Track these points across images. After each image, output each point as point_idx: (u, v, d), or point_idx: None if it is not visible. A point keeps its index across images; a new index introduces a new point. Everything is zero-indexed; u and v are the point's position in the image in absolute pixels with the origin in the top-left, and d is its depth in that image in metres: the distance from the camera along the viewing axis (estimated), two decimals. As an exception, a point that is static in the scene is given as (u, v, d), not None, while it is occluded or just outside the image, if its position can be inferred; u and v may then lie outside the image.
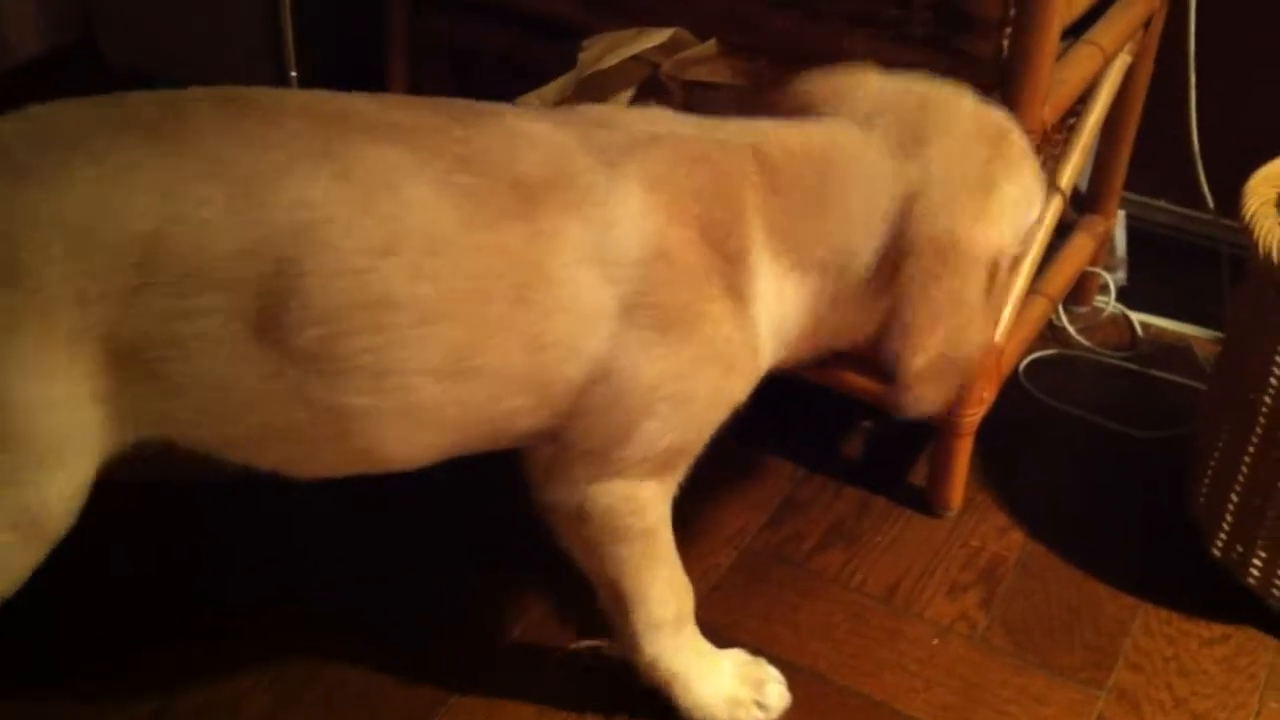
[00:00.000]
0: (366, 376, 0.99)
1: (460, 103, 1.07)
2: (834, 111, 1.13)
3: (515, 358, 1.02)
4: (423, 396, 1.02)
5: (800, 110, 1.15)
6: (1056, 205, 1.55)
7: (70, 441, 0.96)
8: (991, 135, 1.13)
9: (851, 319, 1.14)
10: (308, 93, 1.04)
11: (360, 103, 1.03)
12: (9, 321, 0.91)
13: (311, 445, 1.04)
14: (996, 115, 1.15)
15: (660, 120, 1.11)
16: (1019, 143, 1.15)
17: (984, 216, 1.09)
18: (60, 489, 0.97)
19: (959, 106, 1.14)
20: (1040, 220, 1.22)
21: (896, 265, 1.09)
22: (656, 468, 1.10)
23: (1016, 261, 1.20)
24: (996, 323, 1.12)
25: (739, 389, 1.11)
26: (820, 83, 1.16)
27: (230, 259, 0.94)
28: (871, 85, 1.14)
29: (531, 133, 1.04)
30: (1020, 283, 1.50)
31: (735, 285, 1.07)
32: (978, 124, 1.13)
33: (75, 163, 0.93)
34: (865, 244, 1.10)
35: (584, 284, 1.02)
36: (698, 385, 1.07)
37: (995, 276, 1.11)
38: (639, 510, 1.12)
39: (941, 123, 1.11)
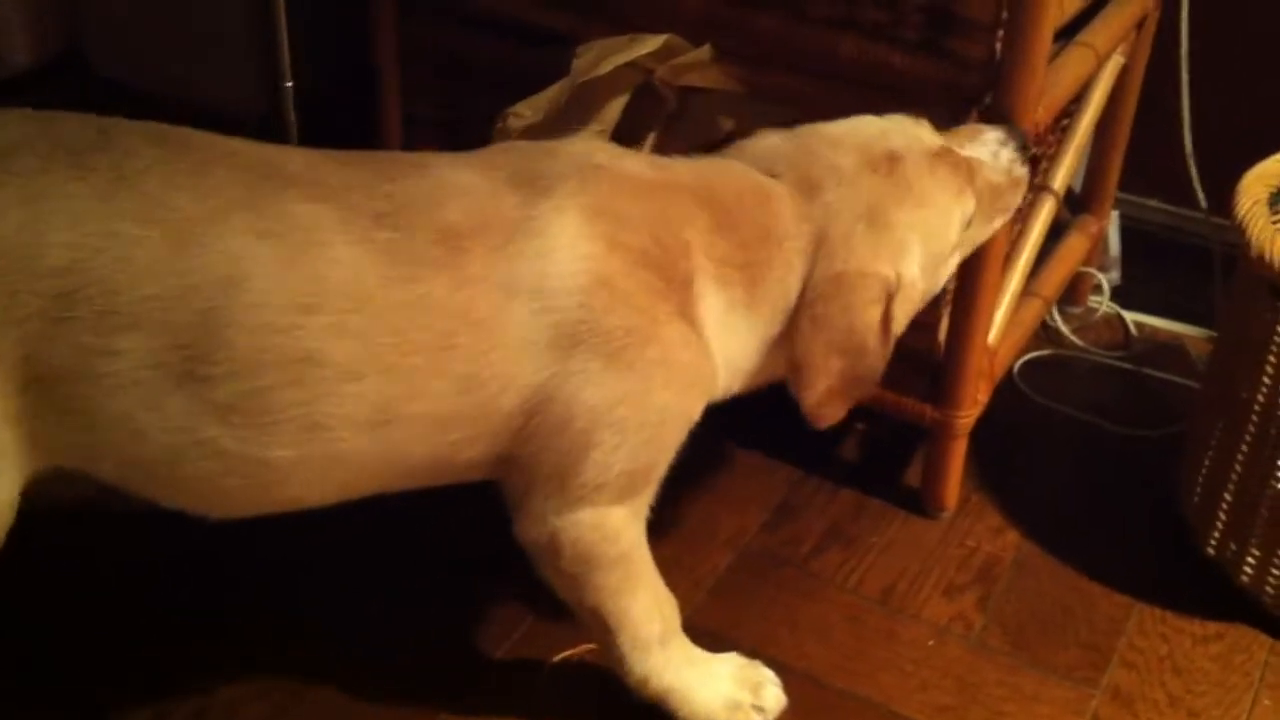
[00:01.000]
0: (291, 430, 0.99)
1: (389, 156, 1.09)
2: (753, 164, 1.17)
3: (446, 400, 1.02)
4: (351, 446, 1.02)
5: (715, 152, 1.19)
6: (1050, 206, 1.56)
7: None
8: (880, 166, 1.15)
9: (781, 359, 1.16)
10: (239, 141, 1.03)
11: (288, 157, 1.03)
12: None
13: (222, 493, 1.04)
14: (891, 141, 1.17)
15: (603, 152, 1.13)
16: (915, 163, 1.16)
17: (877, 251, 1.13)
18: None
19: (844, 146, 1.16)
20: (1015, 193, 1.25)
21: (802, 303, 1.13)
22: (618, 493, 1.10)
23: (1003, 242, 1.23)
24: (890, 349, 1.17)
25: (694, 408, 1.12)
26: (728, 151, 1.20)
27: (156, 302, 0.94)
28: (769, 142, 1.18)
29: (457, 182, 1.05)
30: (1014, 283, 1.51)
31: (684, 311, 1.08)
32: (864, 158, 1.15)
33: (2, 181, 0.92)
34: (796, 281, 1.13)
35: (515, 320, 1.02)
36: (646, 409, 1.07)
37: (888, 310, 1.13)
38: (610, 538, 1.12)
39: (827, 167, 1.15)
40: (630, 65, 1.34)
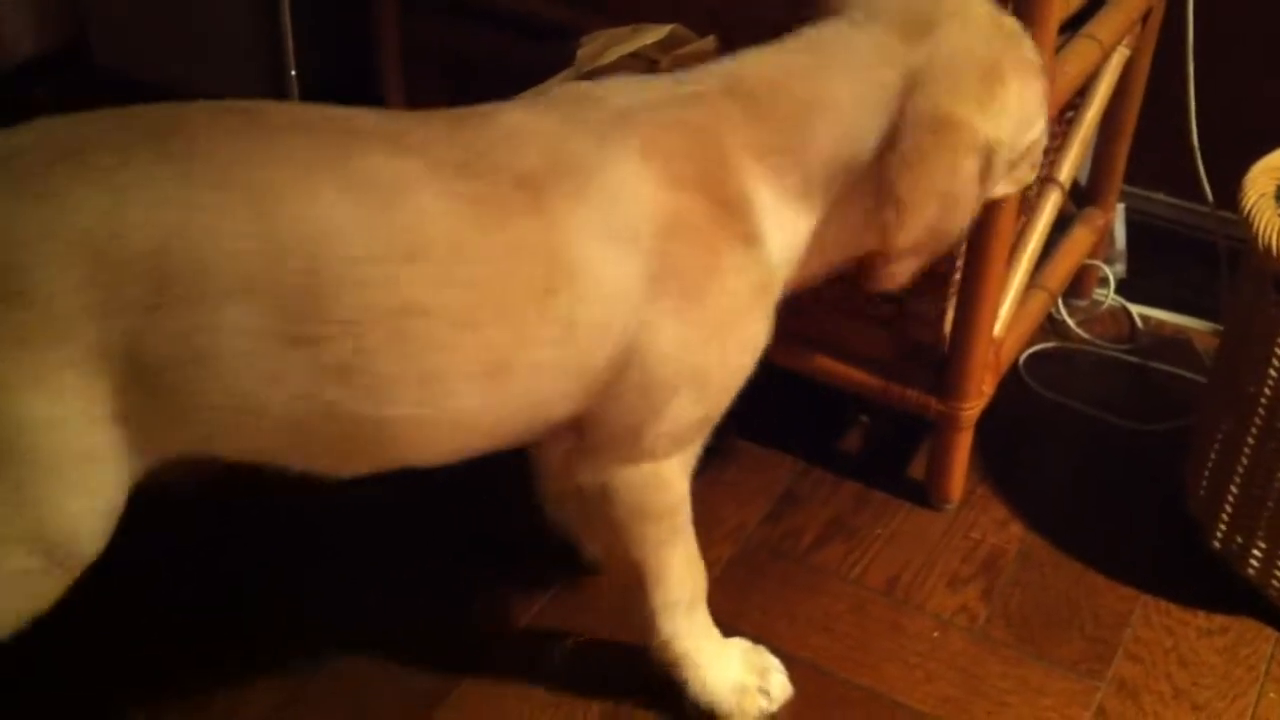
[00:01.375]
0: (406, 385, 0.99)
1: (453, 110, 1.07)
2: (843, 11, 1.12)
3: (549, 348, 1.03)
4: (464, 401, 1.02)
5: (819, 14, 1.14)
6: (1055, 198, 1.55)
7: (90, 463, 0.95)
8: (1006, 32, 1.12)
9: (857, 221, 1.12)
10: (307, 106, 1.03)
11: (364, 116, 1.03)
12: (20, 339, 0.90)
13: (347, 453, 1.04)
14: (1012, 20, 1.15)
15: (631, 89, 1.10)
16: (1032, 49, 1.14)
17: (987, 105, 1.08)
18: (85, 513, 0.96)
19: (971, 4, 1.12)
20: (1039, 142, 1.20)
21: (893, 142, 1.08)
22: (683, 442, 1.11)
23: (1013, 169, 1.19)
24: (975, 216, 1.13)
25: (762, 334, 1.11)
26: None
27: (251, 271, 0.93)
28: None
29: (522, 127, 1.05)
30: (1019, 276, 1.50)
31: (743, 230, 1.07)
32: (993, 20, 1.12)
33: (84, 178, 0.92)
34: (863, 139, 1.08)
35: (605, 263, 1.02)
36: (724, 351, 1.08)
37: (988, 170, 1.09)
38: (664, 486, 1.13)
39: (954, 10, 1.10)
40: (634, 56, 1.34)
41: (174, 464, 1.02)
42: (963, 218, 1.11)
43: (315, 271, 0.94)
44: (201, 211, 0.93)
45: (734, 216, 1.07)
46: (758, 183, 1.08)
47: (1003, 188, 1.21)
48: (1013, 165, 1.18)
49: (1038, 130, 1.17)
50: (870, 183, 1.09)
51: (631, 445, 1.09)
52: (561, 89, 1.14)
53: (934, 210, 1.08)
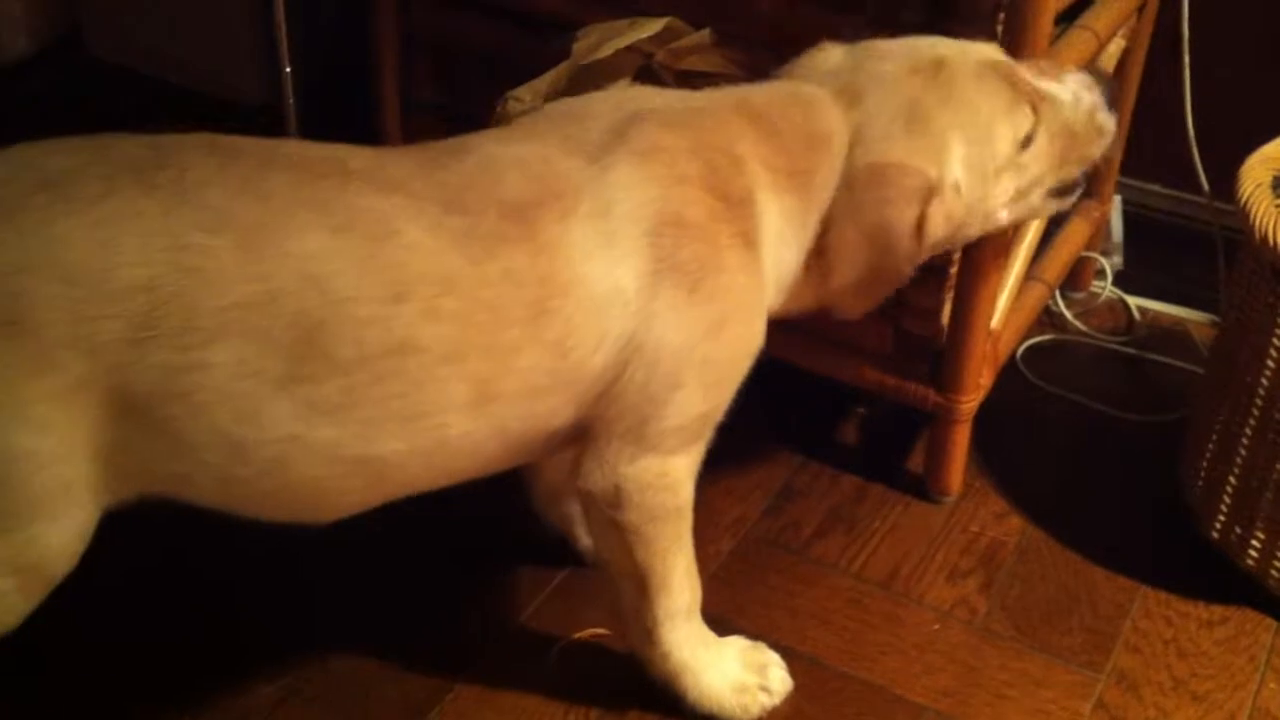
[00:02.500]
0: (396, 422, 1.00)
1: (435, 145, 1.08)
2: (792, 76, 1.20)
3: (542, 369, 1.03)
4: (456, 430, 1.03)
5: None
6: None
7: (66, 495, 0.95)
8: (923, 71, 1.15)
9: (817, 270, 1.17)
10: (293, 143, 1.04)
11: (346, 154, 1.03)
12: (8, 368, 0.89)
13: (336, 494, 1.04)
14: (940, 50, 1.17)
15: (634, 97, 1.14)
16: (961, 68, 1.16)
17: (914, 148, 1.13)
18: (59, 540, 0.96)
19: (893, 56, 1.17)
20: (1088, 142, 1.24)
21: (835, 196, 1.13)
22: (690, 438, 1.11)
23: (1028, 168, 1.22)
24: (927, 255, 1.19)
25: (759, 333, 1.13)
26: (796, 61, 1.22)
27: (239, 311, 0.93)
28: (827, 56, 1.20)
29: (508, 156, 1.06)
30: (1016, 268, 1.50)
31: (744, 230, 1.09)
32: (909, 65, 1.15)
33: (68, 209, 0.91)
34: (832, 183, 1.14)
35: (597, 275, 1.03)
36: (725, 342, 1.09)
37: (924, 213, 1.12)
38: (673, 486, 1.13)
39: (871, 74, 1.15)
40: (630, 49, 1.34)
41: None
42: (900, 263, 1.14)
43: (306, 313, 0.95)
44: (190, 252, 0.92)
45: (736, 215, 1.08)
46: (766, 191, 1.11)
47: (1012, 214, 1.24)
48: (1022, 194, 1.22)
49: (1010, 126, 1.17)
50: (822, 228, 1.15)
51: (639, 442, 1.09)
52: (556, 107, 1.16)
53: (863, 258, 1.13)
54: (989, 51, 1.19)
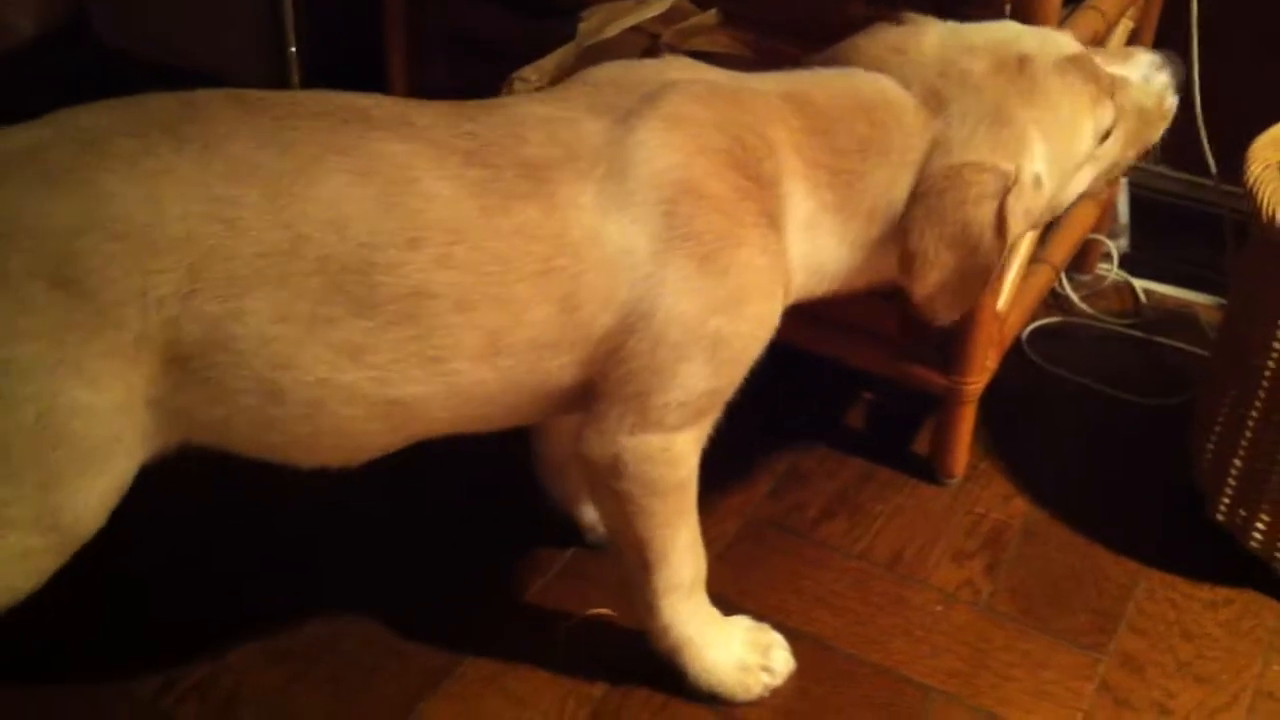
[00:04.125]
0: (412, 366, 1.01)
1: (469, 102, 1.08)
2: (881, 68, 1.15)
3: (551, 324, 1.04)
4: (468, 378, 1.04)
5: (847, 64, 1.16)
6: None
7: (117, 447, 0.97)
8: (1008, 69, 1.13)
9: (888, 265, 1.15)
10: (317, 93, 1.04)
11: (370, 103, 1.04)
12: (70, 327, 0.92)
13: (362, 437, 1.06)
14: (1024, 44, 1.15)
15: (681, 66, 1.13)
16: (1043, 64, 1.14)
17: (995, 146, 1.11)
18: (98, 494, 0.98)
19: (978, 51, 1.14)
20: (1156, 123, 1.24)
21: (915, 200, 1.11)
22: (693, 414, 1.11)
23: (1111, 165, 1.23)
24: (1011, 246, 1.15)
25: (775, 316, 1.13)
26: (881, 36, 1.17)
27: (269, 258, 0.96)
28: (922, 40, 1.15)
29: (534, 115, 1.06)
30: (1023, 250, 1.50)
31: (768, 210, 1.08)
32: (995, 62, 1.13)
33: (109, 167, 0.93)
34: (901, 191, 1.12)
35: (609, 236, 1.04)
36: (738, 318, 1.08)
37: (1004, 206, 1.10)
38: (674, 461, 1.13)
39: (959, 75, 1.12)
40: (636, 29, 1.34)
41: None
42: (987, 259, 1.12)
43: (329, 257, 0.97)
44: (223, 204, 0.95)
45: (761, 194, 1.07)
46: (797, 180, 1.10)
47: (1125, 152, 1.23)
48: (1096, 180, 1.22)
49: (1093, 122, 1.17)
50: (898, 237, 1.13)
51: (641, 413, 1.09)
52: (595, 72, 1.14)
53: (947, 259, 1.11)
54: (1066, 43, 1.18)
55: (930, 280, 1.12)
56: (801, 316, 1.45)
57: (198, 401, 0.99)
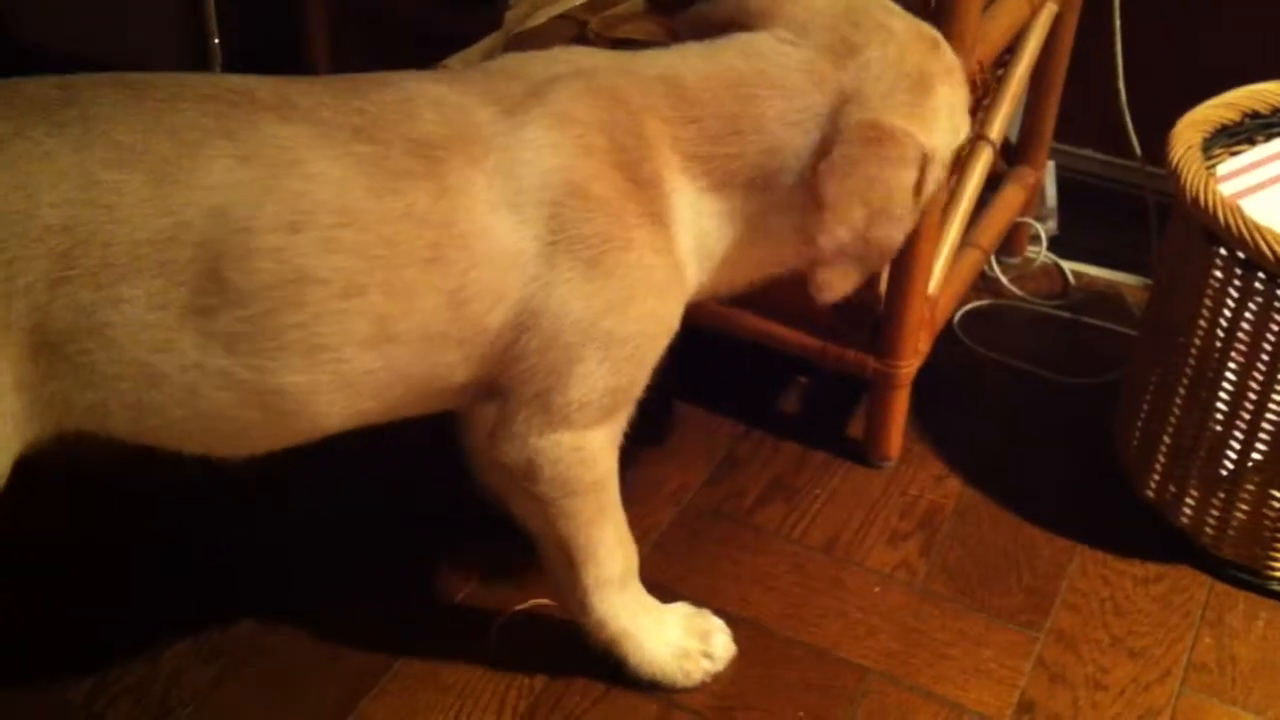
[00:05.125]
0: (297, 354, 0.99)
1: (357, 76, 1.07)
2: (767, 25, 1.12)
3: (439, 316, 1.02)
4: (354, 367, 1.02)
5: (731, 24, 1.14)
6: (986, 156, 1.56)
7: None
8: (928, 41, 1.14)
9: (784, 234, 1.13)
10: (202, 76, 1.02)
11: (256, 84, 1.02)
12: None
13: (243, 426, 1.03)
14: (930, 28, 1.16)
15: (566, 59, 1.11)
16: (952, 55, 1.16)
17: (919, 115, 1.10)
18: None
19: (891, 12, 1.14)
20: (963, 143, 1.22)
21: (824, 154, 1.08)
22: (600, 413, 1.10)
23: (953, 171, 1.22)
24: (914, 226, 1.14)
25: (672, 314, 1.12)
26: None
27: (149, 245, 0.93)
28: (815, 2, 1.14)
29: (428, 94, 1.04)
30: (952, 234, 1.51)
31: (653, 210, 1.07)
32: (914, 31, 1.14)
33: None
34: (792, 156, 1.09)
35: (498, 232, 1.02)
36: (629, 319, 1.07)
37: (923, 179, 1.10)
38: (588, 461, 1.12)
39: (876, 27, 1.11)
40: (564, 17, 1.33)
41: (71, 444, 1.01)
42: (897, 228, 1.10)
43: (207, 243, 0.95)
44: (102, 189, 0.92)
45: (645, 195, 1.06)
46: (676, 175, 1.09)
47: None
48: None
49: (963, 136, 1.18)
50: (796, 201, 1.10)
51: (545, 413, 1.08)
52: (492, 62, 1.13)
53: (860, 215, 1.08)
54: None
55: (837, 235, 1.08)
56: (735, 302, 1.45)
57: (72, 387, 0.96)
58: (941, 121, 1.12)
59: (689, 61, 1.11)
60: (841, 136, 1.07)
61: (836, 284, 1.12)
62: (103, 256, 0.93)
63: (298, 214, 0.96)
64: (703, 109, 1.09)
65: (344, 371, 1.01)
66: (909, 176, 1.08)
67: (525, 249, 1.03)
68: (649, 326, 1.09)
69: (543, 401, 1.08)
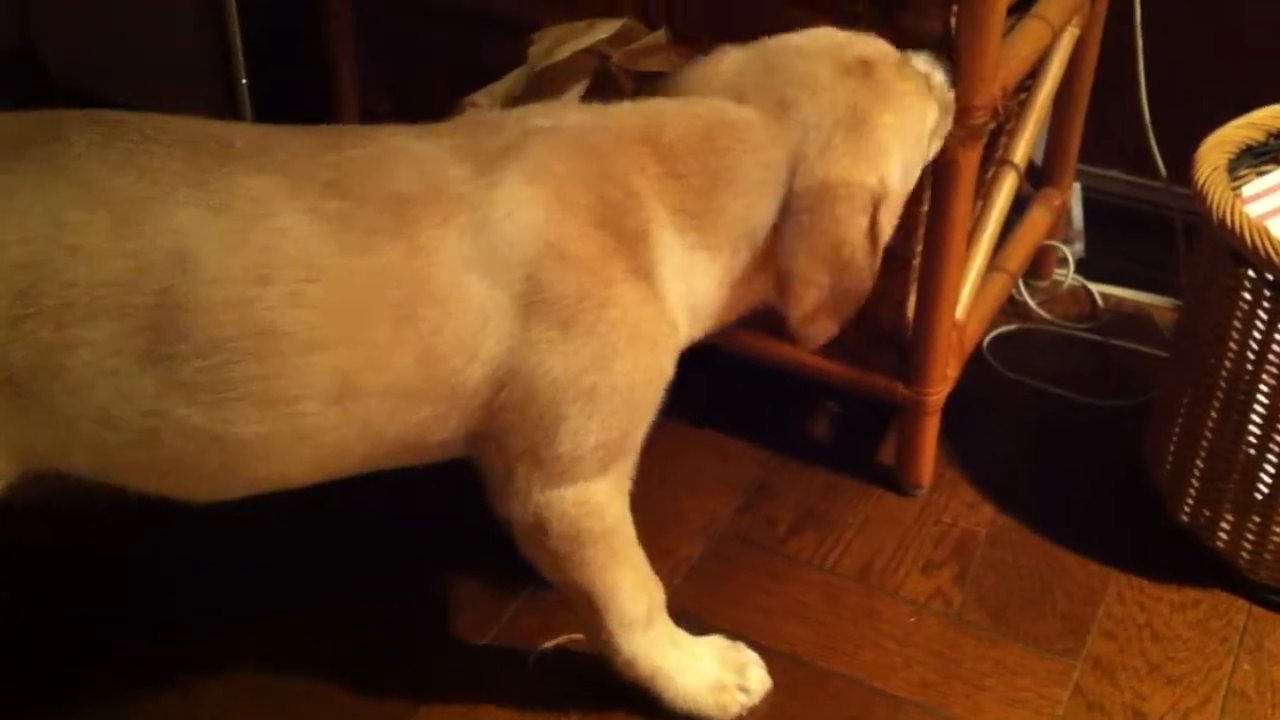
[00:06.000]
0: (254, 406, 0.98)
1: (334, 128, 1.07)
2: (710, 90, 1.14)
3: (410, 373, 1.01)
4: (317, 421, 1.01)
5: (673, 90, 1.17)
6: (1011, 180, 1.56)
7: None
8: (855, 72, 1.14)
9: (761, 285, 1.15)
10: (182, 119, 1.02)
11: (234, 132, 1.02)
12: None
13: (201, 473, 1.02)
14: (859, 48, 1.16)
15: (544, 114, 1.11)
16: (887, 67, 1.16)
17: (862, 156, 1.11)
18: None
19: (813, 54, 1.14)
20: (947, 118, 1.26)
21: (785, 218, 1.11)
22: (597, 465, 1.09)
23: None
24: (878, 266, 1.16)
25: (664, 365, 1.11)
26: (690, 72, 1.18)
27: (112, 288, 0.93)
28: (731, 62, 1.16)
29: (404, 150, 1.04)
30: (979, 259, 1.51)
31: (639, 265, 1.06)
32: (838, 64, 1.14)
33: None
34: (765, 213, 1.11)
35: (471, 292, 1.01)
36: (613, 374, 1.06)
37: (875, 221, 1.11)
38: (595, 513, 1.11)
39: (800, 78, 1.13)
40: (587, 51, 1.34)
41: (26, 481, 1.01)
42: (863, 275, 1.12)
43: (170, 291, 0.94)
44: (67, 229, 0.92)
45: (628, 250, 1.06)
46: (664, 229, 1.09)
47: (935, 146, 1.25)
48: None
49: (929, 118, 1.20)
50: (769, 263, 1.13)
51: (540, 467, 1.08)
52: (473, 116, 1.14)
53: (824, 278, 1.11)
54: (886, 45, 1.19)
55: (809, 300, 1.12)
56: (764, 330, 1.45)
57: (35, 425, 0.95)
58: (891, 150, 1.13)
59: (664, 115, 1.12)
60: (793, 204, 1.10)
61: (817, 336, 1.16)
62: (63, 297, 0.92)
63: (266, 267, 0.96)
64: (685, 164, 1.09)
65: (303, 425, 1.00)
66: (860, 225, 1.11)
67: (499, 307, 1.02)
68: (637, 378, 1.08)
69: (534, 457, 1.07)
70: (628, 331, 1.06)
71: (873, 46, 1.17)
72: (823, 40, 1.16)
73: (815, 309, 1.13)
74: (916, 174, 1.22)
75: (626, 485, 1.14)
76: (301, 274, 0.97)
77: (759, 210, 1.11)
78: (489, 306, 1.02)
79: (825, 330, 1.15)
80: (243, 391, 0.97)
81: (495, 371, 1.04)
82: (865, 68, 1.14)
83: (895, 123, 1.14)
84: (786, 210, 1.10)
